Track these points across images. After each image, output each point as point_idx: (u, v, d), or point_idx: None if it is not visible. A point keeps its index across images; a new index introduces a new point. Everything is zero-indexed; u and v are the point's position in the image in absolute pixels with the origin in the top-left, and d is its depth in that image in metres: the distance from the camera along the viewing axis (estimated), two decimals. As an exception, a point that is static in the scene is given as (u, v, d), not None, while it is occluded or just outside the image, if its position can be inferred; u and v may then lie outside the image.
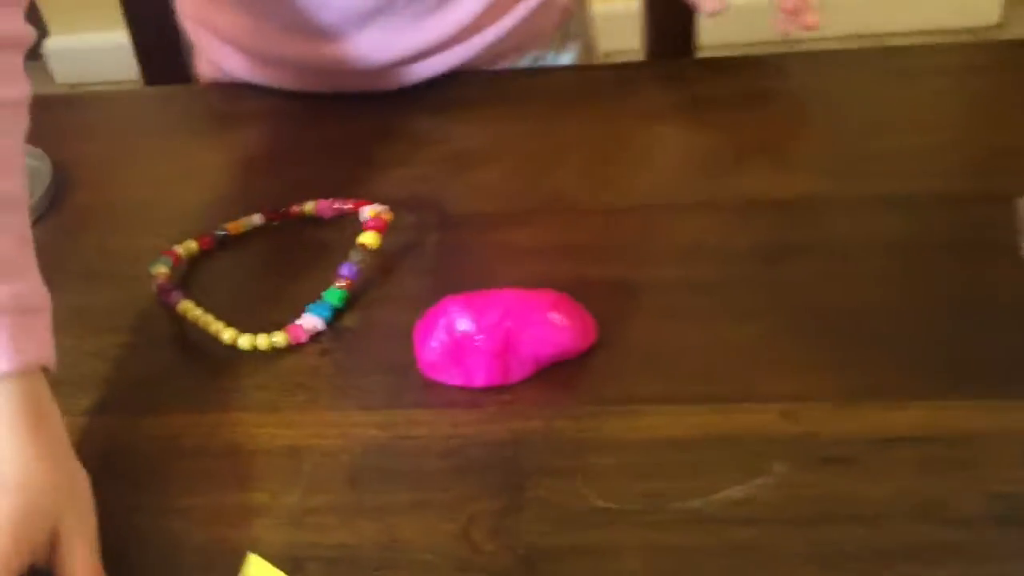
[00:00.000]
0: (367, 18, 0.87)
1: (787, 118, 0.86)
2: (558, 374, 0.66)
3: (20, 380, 0.57)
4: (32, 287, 0.60)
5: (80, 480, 0.58)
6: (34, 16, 0.64)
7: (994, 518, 0.55)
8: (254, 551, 0.58)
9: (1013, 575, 0.53)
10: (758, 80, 0.90)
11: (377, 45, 0.89)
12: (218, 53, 0.97)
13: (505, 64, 0.97)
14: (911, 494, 0.57)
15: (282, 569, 0.57)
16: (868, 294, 0.69)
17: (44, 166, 0.86)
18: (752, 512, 0.57)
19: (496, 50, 0.94)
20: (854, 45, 1.11)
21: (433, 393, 0.66)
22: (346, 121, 0.91)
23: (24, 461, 0.56)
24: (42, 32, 2.45)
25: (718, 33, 1.12)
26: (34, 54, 1.84)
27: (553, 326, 0.64)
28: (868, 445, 0.59)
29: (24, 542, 0.53)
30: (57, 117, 0.94)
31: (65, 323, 0.71)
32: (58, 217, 0.83)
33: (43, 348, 0.59)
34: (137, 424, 0.65)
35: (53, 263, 0.77)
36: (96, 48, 2.40)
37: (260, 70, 0.94)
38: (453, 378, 0.66)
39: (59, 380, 0.67)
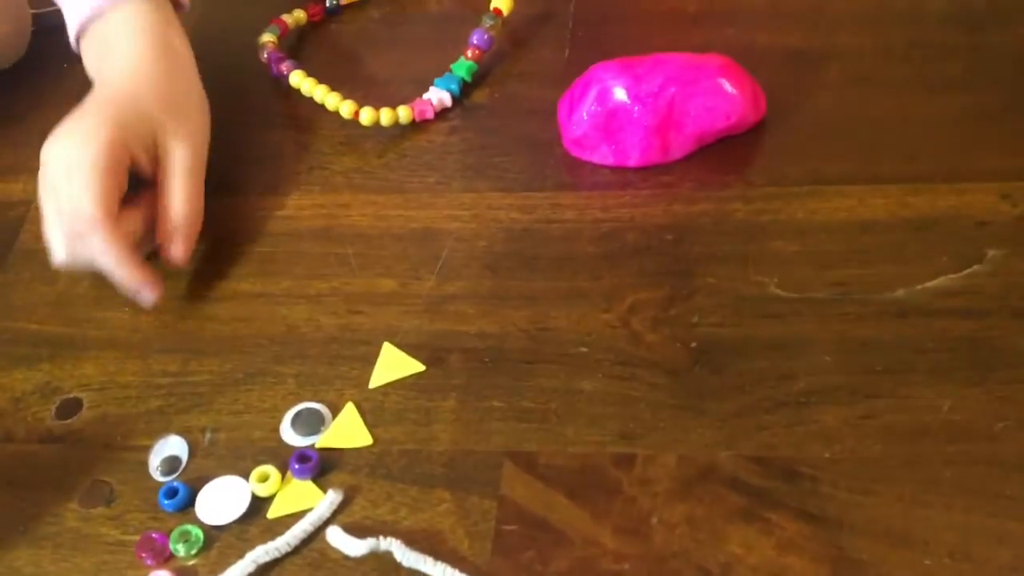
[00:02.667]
0: None
1: None
2: (724, 152, 0.57)
3: (150, 4, 0.57)
4: None
5: (197, 104, 0.58)
6: None
7: None
8: (389, 340, 0.52)
9: None
10: None
11: None
12: None
13: None
14: None
15: (420, 360, 0.51)
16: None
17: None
18: (967, 303, 0.48)
19: None
20: None
21: (580, 173, 0.58)
22: None
23: (134, 68, 0.56)
24: None
25: None
26: None
27: (724, 94, 0.55)
28: (1107, 229, 0.50)
29: (129, 136, 0.53)
30: None
31: (168, 100, 0.66)
32: (153, -9, 0.76)
33: None
34: (254, 206, 0.59)
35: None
36: None
37: None
38: (604, 157, 0.58)
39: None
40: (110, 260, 0.52)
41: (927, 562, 0.41)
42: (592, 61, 0.58)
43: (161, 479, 0.48)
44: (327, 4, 0.69)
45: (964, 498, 0.43)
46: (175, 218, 0.55)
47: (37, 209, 0.58)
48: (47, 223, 0.54)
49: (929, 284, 0.50)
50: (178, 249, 0.55)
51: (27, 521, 0.47)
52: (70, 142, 0.53)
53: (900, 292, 0.50)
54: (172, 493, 0.47)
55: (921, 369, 0.47)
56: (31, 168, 0.56)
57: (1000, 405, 0.45)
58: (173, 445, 0.49)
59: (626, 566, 0.43)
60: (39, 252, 0.56)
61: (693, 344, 0.49)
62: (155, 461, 0.49)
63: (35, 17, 0.70)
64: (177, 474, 0.48)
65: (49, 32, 0.69)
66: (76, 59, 0.59)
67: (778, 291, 0.51)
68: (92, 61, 0.59)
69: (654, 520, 0.44)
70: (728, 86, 0.56)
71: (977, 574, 0.41)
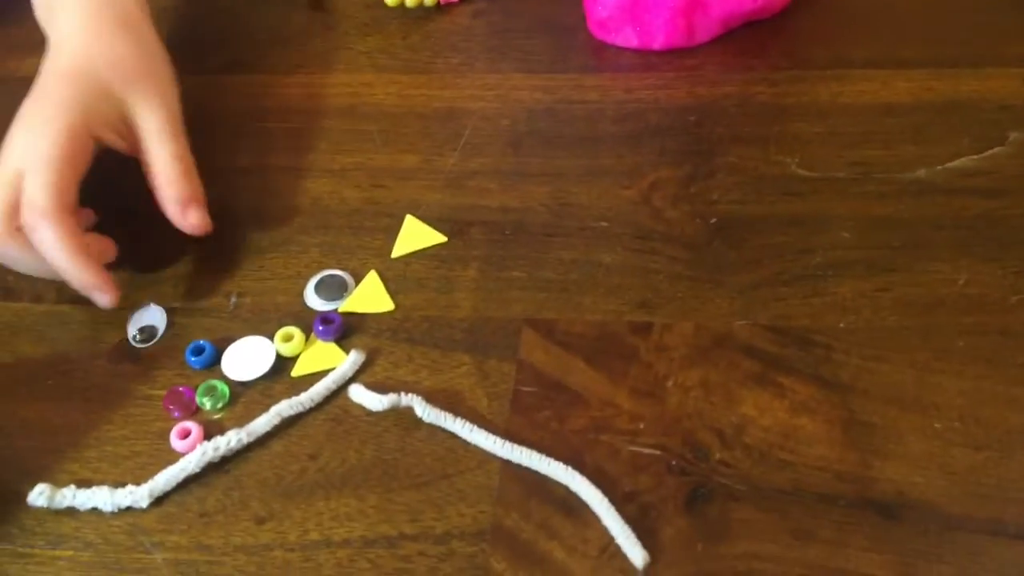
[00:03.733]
0: None
1: None
2: (750, 36, 0.57)
3: None
4: None
5: (158, 66, 0.54)
6: None
7: None
8: (412, 213, 0.53)
9: None
10: None
11: None
12: None
13: None
14: None
15: (442, 232, 0.52)
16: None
17: None
18: (988, 183, 0.49)
19: None
20: None
21: (605, 56, 0.58)
22: None
23: (83, 35, 0.52)
24: None
25: None
26: None
27: (751, -25, 0.55)
28: None
29: (90, 119, 0.50)
30: None
31: (193, -20, 0.66)
32: None
33: None
34: (278, 83, 0.59)
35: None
36: None
37: None
38: (628, 39, 0.58)
39: (185, 39, 0.62)
40: (61, 255, 0.48)
41: (937, 425, 0.42)
42: (618, -52, 0.58)
43: (138, 346, 0.49)
44: None
45: (976, 366, 0.44)
46: (173, 187, 0.51)
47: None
48: None
49: (950, 165, 0.50)
50: (192, 216, 0.51)
51: (57, 376, 0.49)
52: (29, 134, 0.50)
53: (921, 172, 0.50)
54: (199, 351, 0.48)
55: (939, 245, 0.47)
56: (36, 41, 0.56)
57: (1016, 279, 0.46)
58: (152, 314, 0.50)
59: (641, 425, 0.44)
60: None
61: (713, 220, 0.50)
62: (132, 329, 0.50)
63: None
64: (154, 342, 0.49)
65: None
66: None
67: (799, 170, 0.51)
68: (42, 13, 0.56)
69: (669, 383, 0.45)
70: (756, -32, 0.56)
71: (986, 436, 0.42)
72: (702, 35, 0.57)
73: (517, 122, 0.56)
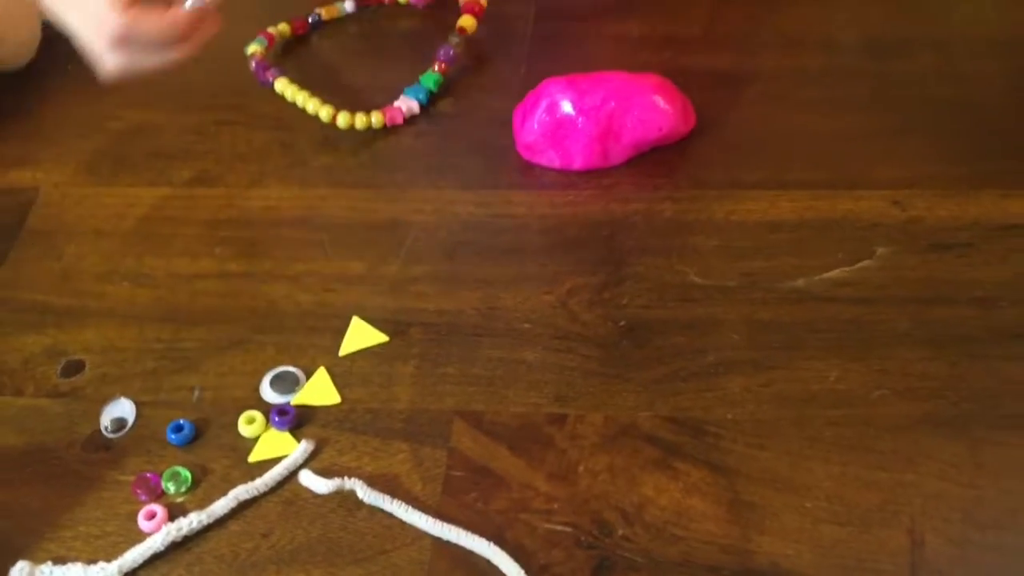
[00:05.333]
0: None
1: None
2: (657, 159, 0.65)
3: None
4: None
5: None
6: None
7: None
8: (358, 315, 0.59)
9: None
10: None
11: None
12: None
13: None
14: None
15: (385, 332, 0.58)
16: (982, 92, 0.66)
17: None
18: (857, 292, 0.57)
19: None
20: None
21: (531, 175, 0.66)
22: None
23: None
24: None
25: None
26: None
27: (657, 109, 0.63)
28: (981, 232, 0.58)
29: None
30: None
31: (164, 100, 0.72)
32: (151, 2, 0.83)
33: None
34: (242, 196, 0.66)
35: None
36: None
37: None
38: (551, 161, 0.65)
39: (159, 153, 0.68)
40: (157, 28, 0.55)
41: (808, 504, 0.49)
42: (545, 76, 0.66)
43: (110, 436, 0.55)
44: (310, 19, 0.77)
45: (842, 452, 0.51)
46: None
47: (45, 194, 0.65)
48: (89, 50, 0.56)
49: (825, 275, 0.57)
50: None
51: (36, 464, 0.54)
52: None
53: (800, 281, 0.57)
54: (178, 429, 0.54)
55: (813, 346, 0.55)
56: (39, 158, 0.63)
57: (878, 376, 0.53)
58: (122, 407, 0.56)
59: (555, 505, 0.50)
60: (46, 232, 0.64)
61: (622, 322, 0.57)
62: (104, 420, 0.55)
63: (44, 24, 0.77)
64: (124, 432, 0.55)
65: (56, 37, 0.75)
66: (79, 60, 0.66)
67: (696, 279, 0.58)
68: None
69: (581, 468, 0.51)
70: (661, 102, 0.63)
71: (848, 514, 0.48)
72: (616, 158, 0.64)
73: (453, 233, 0.63)
